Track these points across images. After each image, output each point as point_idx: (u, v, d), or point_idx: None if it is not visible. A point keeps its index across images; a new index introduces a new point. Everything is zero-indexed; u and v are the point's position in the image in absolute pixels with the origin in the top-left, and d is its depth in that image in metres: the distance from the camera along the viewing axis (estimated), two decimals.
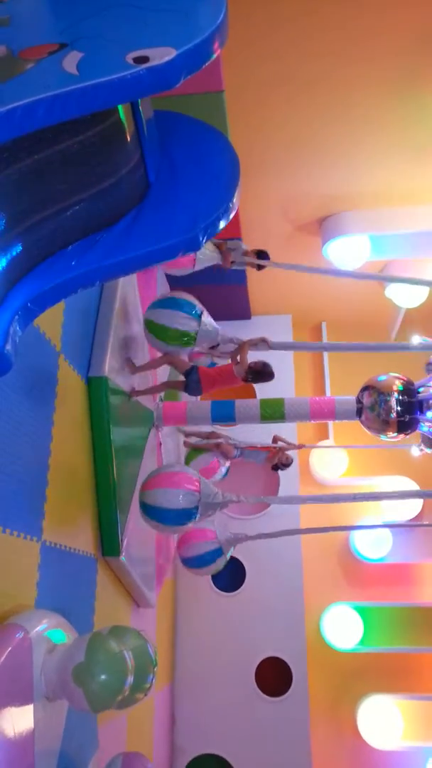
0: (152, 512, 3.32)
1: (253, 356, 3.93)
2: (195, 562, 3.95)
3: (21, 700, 2.17)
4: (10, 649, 2.15)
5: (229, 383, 4.05)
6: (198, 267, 3.98)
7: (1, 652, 2.12)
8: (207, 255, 3.91)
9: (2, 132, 1.54)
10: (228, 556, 4.05)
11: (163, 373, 4.71)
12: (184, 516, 3.30)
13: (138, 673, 2.28)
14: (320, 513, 5.49)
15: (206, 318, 3.91)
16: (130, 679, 2.24)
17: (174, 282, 5.17)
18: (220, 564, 3.99)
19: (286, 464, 4.73)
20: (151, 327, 3.86)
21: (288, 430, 5.87)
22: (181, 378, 4.13)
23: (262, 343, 3.88)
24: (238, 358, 3.90)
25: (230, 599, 5.63)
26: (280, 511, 5.57)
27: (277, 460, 4.69)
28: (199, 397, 4.53)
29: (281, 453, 4.69)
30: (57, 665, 2.26)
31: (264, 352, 3.91)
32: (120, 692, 2.21)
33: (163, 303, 3.90)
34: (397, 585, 5.72)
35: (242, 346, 3.88)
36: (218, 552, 3.91)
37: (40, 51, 1.71)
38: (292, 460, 4.80)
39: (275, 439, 4.78)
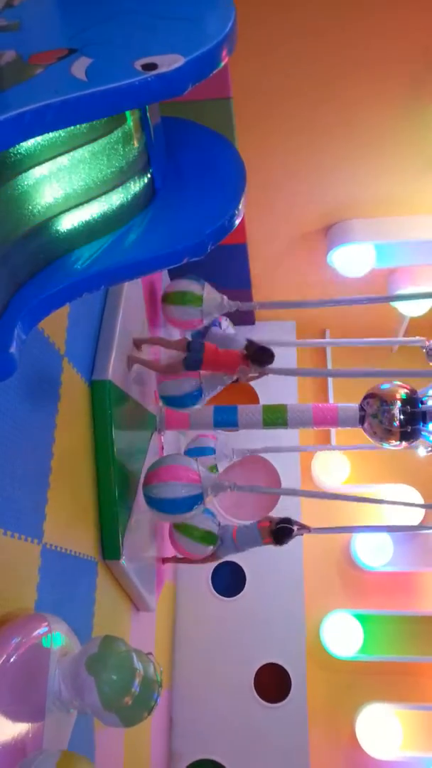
0: (158, 504, 3.76)
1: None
2: (168, 506, 3.76)
3: (36, 694, 2.20)
4: (36, 633, 2.23)
5: (232, 367, 4.00)
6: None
7: (28, 637, 2.18)
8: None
9: (11, 136, 1.55)
10: (205, 506, 3.90)
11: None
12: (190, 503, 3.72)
13: (143, 691, 2.29)
14: (322, 519, 5.48)
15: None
16: (138, 681, 2.27)
17: None
18: (195, 513, 3.85)
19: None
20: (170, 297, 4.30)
21: (290, 437, 5.89)
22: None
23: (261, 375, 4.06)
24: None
25: (230, 604, 5.62)
26: (284, 509, 5.57)
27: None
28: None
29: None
30: (71, 661, 2.31)
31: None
32: (129, 687, 2.23)
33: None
34: (398, 593, 5.70)
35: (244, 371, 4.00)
36: (198, 498, 3.73)
37: (50, 56, 1.73)
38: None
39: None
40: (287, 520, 4.09)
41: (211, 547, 4.22)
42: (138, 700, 2.25)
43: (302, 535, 4.20)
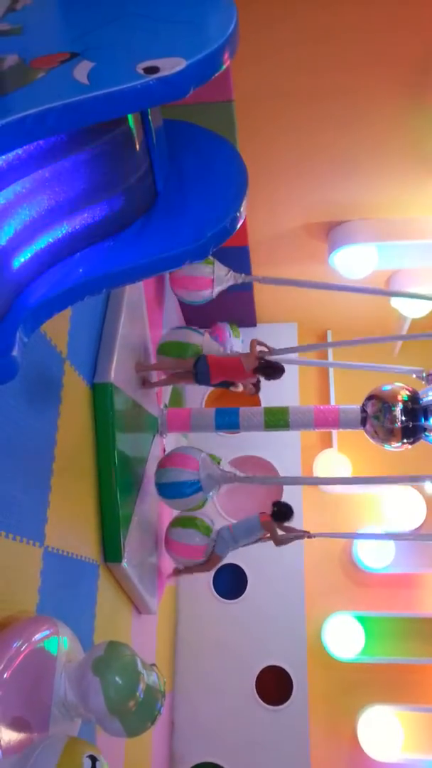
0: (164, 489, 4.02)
1: None
2: (170, 491, 4.01)
3: (42, 699, 2.20)
4: (42, 636, 2.24)
5: (239, 376, 4.18)
6: (216, 290, 4.28)
7: (36, 639, 2.19)
8: (223, 278, 4.24)
9: (13, 140, 1.55)
10: (210, 498, 4.12)
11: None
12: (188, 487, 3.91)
13: (147, 698, 2.30)
14: (323, 522, 5.48)
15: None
16: (142, 685, 2.28)
17: None
18: (196, 500, 4.01)
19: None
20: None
21: (292, 438, 5.89)
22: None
23: (264, 354, 4.17)
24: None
25: (231, 606, 5.61)
26: None
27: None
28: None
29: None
30: (77, 665, 2.33)
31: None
32: (134, 691, 2.24)
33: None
34: (400, 595, 5.70)
35: (251, 343, 4.16)
36: (196, 485, 3.91)
37: (52, 60, 1.72)
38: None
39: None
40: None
41: (210, 538, 4.27)
42: (142, 707, 2.26)
43: (304, 539, 4.20)
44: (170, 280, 4.51)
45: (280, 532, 4.17)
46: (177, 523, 4.43)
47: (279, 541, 4.11)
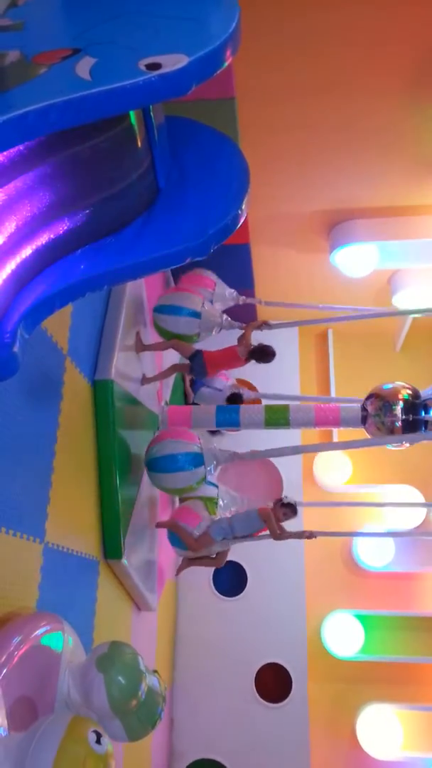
0: (160, 462, 3.70)
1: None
2: (164, 464, 3.71)
3: (48, 693, 2.22)
4: (53, 630, 2.27)
5: (233, 364, 4.26)
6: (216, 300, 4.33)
7: (39, 633, 2.21)
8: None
9: (15, 136, 1.55)
10: (209, 472, 3.80)
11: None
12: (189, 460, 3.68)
13: (148, 699, 2.31)
14: (325, 519, 5.48)
15: (207, 307, 4.23)
16: (144, 686, 2.30)
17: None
18: (196, 476, 3.72)
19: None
20: (159, 330, 4.24)
21: (293, 437, 5.89)
22: (187, 362, 4.31)
23: (265, 326, 4.22)
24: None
25: (231, 604, 5.62)
26: None
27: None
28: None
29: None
30: (80, 664, 2.35)
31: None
32: (136, 688, 2.26)
33: (164, 309, 4.19)
34: (399, 594, 5.70)
35: (246, 327, 4.19)
36: (198, 458, 3.70)
37: (54, 56, 1.72)
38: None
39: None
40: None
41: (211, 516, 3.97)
42: (143, 708, 2.27)
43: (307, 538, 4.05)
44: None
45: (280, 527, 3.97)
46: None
47: (277, 534, 3.92)
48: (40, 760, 1.64)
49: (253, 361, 4.28)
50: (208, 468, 3.80)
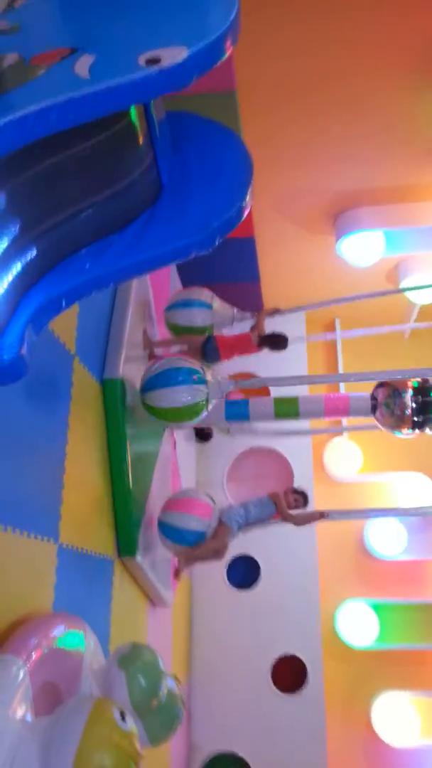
0: (159, 378, 3.48)
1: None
2: (163, 379, 3.45)
3: (71, 692, 2.25)
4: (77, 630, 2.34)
5: (247, 350, 4.25)
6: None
7: (64, 632, 2.25)
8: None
9: (16, 138, 1.54)
10: (211, 401, 3.55)
11: None
12: (191, 374, 3.48)
13: (168, 701, 2.35)
14: (335, 507, 5.47)
15: (218, 301, 4.19)
16: (164, 686, 2.33)
17: (186, 279, 5.16)
18: (197, 394, 3.47)
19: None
20: (173, 329, 4.20)
21: (302, 427, 5.87)
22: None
23: (276, 312, 4.24)
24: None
25: (245, 596, 5.63)
26: None
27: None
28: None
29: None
30: (101, 665, 2.39)
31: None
32: (156, 688, 2.29)
33: (175, 305, 4.15)
34: (413, 582, 5.69)
35: (258, 315, 4.18)
36: (199, 376, 3.50)
37: (52, 56, 1.70)
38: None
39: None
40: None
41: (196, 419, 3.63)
42: (163, 709, 2.29)
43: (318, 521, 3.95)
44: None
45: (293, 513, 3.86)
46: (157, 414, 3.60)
47: (290, 517, 3.79)
48: (67, 736, 1.66)
49: (262, 352, 4.27)
50: (211, 397, 3.55)
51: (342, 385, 6.10)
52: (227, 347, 4.17)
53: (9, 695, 1.85)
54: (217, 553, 3.77)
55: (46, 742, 1.68)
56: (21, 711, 1.86)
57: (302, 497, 3.90)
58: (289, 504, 3.84)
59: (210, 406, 3.63)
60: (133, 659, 2.34)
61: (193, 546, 3.69)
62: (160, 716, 2.33)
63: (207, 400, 3.56)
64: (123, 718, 1.76)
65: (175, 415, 3.58)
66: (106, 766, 1.61)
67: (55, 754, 1.63)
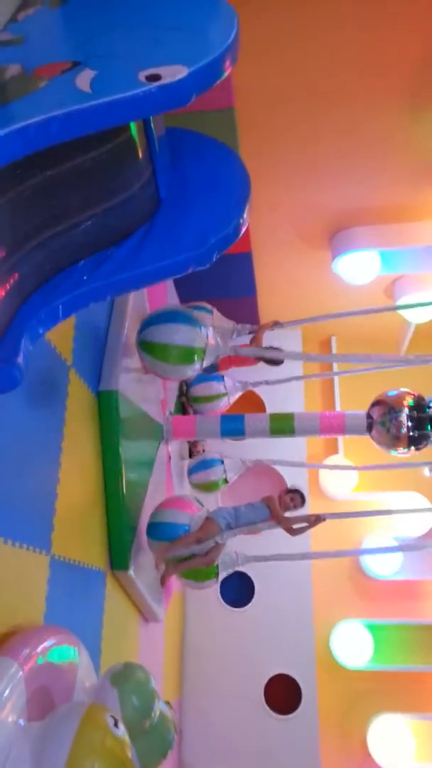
0: (161, 316, 3.50)
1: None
2: (163, 317, 3.45)
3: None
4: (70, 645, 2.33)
5: (244, 363, 4.38)
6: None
7: (59, 645, 2.25)
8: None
9: (16, 149, 1.56)
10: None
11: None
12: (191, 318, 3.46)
13: (160, 724, 2.33)
14: (330, 528, 5.44)
15: (216, 318, 4.10)
16: (156, 706, 2.32)
17: (184, 293, 5.19)
18: (198, 337, 3.40)
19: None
20: (147, 347, 3.66)
21: (298, 445, 5.87)
22: None
23: (276, 325, 4.20)
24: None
25: (239, 614, 5.59)
26: None
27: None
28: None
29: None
30: (93, 683, 2.39)
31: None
32: (149, 707, 2.27)
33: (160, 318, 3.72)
34: (409, 602, 5.65)
35: (259, 329, 4.15)
36: (198, 323, 3.51)
37: (54, 69, 1.74)
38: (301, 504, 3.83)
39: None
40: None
41: (190, 366, 3.55)
42: (155, 731, 2.28)
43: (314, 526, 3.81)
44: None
45: (287, 515, 3.73)
46: (148, 349, 3.65)
47: (283, 520, 3.64)
48: (59, 739, 1.65)
49: (260, 366, 4.30)
50: (208, 351, 3.48)
51: (337, 401, 6.12)
52: (225, 359, 4.29)
53: (3, 696, 1.84)
54: (200, 542, 3.59)
55: (38, 743, 1.67)
56: (14, 713, 1.85)
57: (299, 496, 3.74)
58: (285, 505, 3.70)
59: (204, 362, 3.52)
60: (126, 677, 2.33)
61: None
62: (152, 738, 2.31)
63: (203, 350, 3.44)
64: (116, 724, 1.75)
65: (168, 354, 3.47)
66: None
67: (47, 756, 1.62)
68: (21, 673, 1.95)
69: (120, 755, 1.68)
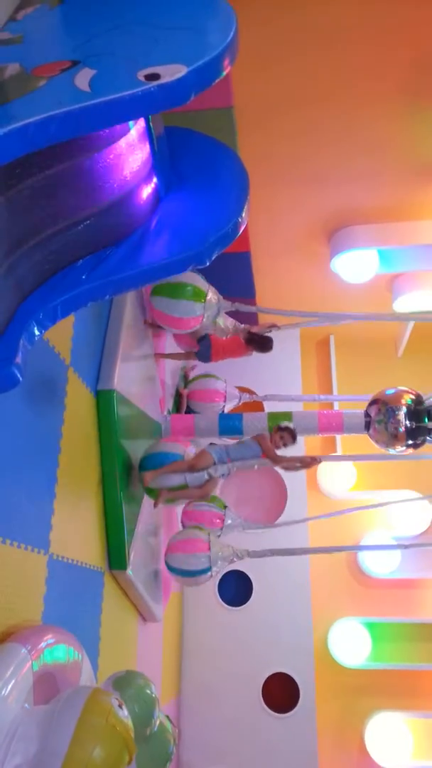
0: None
1: None
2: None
3: None
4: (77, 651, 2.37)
5: (237, 352, 4.41)
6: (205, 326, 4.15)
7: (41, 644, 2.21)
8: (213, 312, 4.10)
9: (16, 148, 1.56)
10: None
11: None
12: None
13: (159, 733, 2.34)
14: (328, 526, 5.46)
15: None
16: (157, 714, 2.34)
17: None
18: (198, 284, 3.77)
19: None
20: (159, 290, 3.85)
21: (296, 443, 5.87)
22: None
23: (274, 327, 4.28)
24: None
25: (237, 613, 5.59)
26: (290, 517, 5.56)
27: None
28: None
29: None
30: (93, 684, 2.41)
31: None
32: (150, 714, 2.30)
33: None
34: (406, 600, 5.66)
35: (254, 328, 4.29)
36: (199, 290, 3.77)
37: (53, 68, 1.74)
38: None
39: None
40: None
41: (200, 305, 3.77)
42: (155, 741, 2.29)
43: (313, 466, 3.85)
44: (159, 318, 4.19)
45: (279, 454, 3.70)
46: (160, 291, 3.82)
47: (275, 457, 3.64)
48: (65, 717, 1.68)
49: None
50: (209, 294, 3.79)
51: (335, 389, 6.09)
52: (219, 349, 4.40)
53: (10, 679, 1.88)
54: (192, 470, 3.64)
55: (44, 722, 1.70)
56: (20, 697, 1.89)
57: (289, 434, 3.71)
58: (275, 444, 3.68)
59: (206, 315, 3.84)
60: (128, 682, 2.36)
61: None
62: (151, 747, 2.31)
63: (205, 293, 3.81)
64: (120, 707, 1.78)
65: (182, 291, 3.78)
66: (101, 749, 1.63)
67: (53, 734, 1.65)
68: (29, 659, 1.98)
69: (123, 734, 1.71)
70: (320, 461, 3.74)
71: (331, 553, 5.24)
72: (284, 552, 4.03)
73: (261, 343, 4.26)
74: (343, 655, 5.42)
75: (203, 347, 4.44)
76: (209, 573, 3.84)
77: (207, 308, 3.87)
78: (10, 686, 1.85)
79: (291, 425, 3.78)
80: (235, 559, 3.93)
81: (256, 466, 3.74)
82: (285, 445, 3.70)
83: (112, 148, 2.12)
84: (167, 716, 2.57)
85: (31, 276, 2.06)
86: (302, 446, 5.99)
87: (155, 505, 3.81)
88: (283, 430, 3.71)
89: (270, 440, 3.68)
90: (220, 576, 3.90)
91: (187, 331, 4.21)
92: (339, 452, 6.05)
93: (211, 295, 3.89)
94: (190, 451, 3.82)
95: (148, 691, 2.37)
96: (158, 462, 3.74)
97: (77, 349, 3.17)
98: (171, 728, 2.51)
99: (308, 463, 3.74)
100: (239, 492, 5.98)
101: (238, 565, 5.53)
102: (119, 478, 3.46)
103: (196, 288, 3.81)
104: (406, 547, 4.96)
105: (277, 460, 3.67)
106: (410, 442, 3.99)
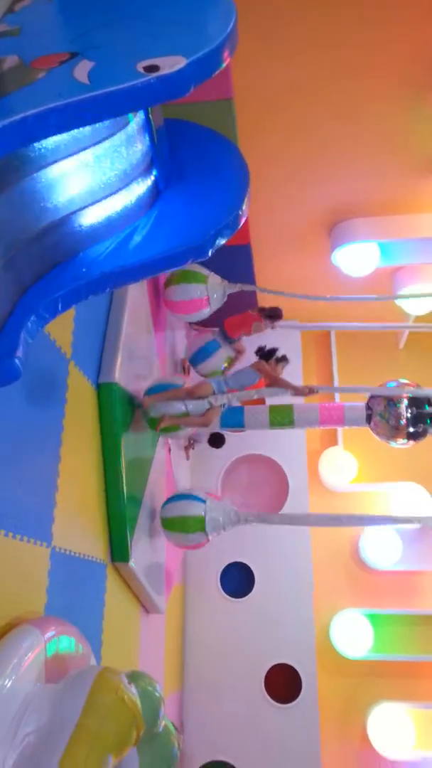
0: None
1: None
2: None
3: None
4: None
5: (249, 325, 4.64)
6: (214, 307, 4.52)
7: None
8: (218, 295, 4.52)
9: (15, 140, 1.56)
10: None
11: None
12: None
13: (164, 735, 2.39)
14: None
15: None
16: (162, 714, 2.36)
17: None
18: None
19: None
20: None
21: (297, 436, 5.89)
22: None
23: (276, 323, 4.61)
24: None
25: (239, 605, 5.61)
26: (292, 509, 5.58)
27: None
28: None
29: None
30: None
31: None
32: (156, 713, 2.32)
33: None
34: (408, 592, 5.68)
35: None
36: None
37: (52, 60, 1.73)
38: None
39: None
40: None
41: (204, 286, 4.37)
42: (159, 742, 2.31)
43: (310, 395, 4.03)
44: (166, 305, 4.67)
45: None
46: (168, 284, 4.50)
47: (275, 379, 3.86)
48: (76, 690, 1.75)
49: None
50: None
51: (336, 394, 6.10)
52: (234, 325, 4.62)
53: (24, 656, 1.94)
54: (191, 396, 3.78)
55: (56, 696, 1.77)
56: (33, 673, 1.94)
57: (283, 359, 4.01)
58: (274, 370, 3.93)
59: (212, 292, 4.38)
60: (134, 679, 2.35)
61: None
62: (156, 747, 2.32)
63: (206, 276, 4.37)
64: (129, 683, 1.83)
65: (179, 277, 4.43)
66: (111, 719, 1.69)
67: (64, 705, 1.71)
68: (42, 642, 2.03)
69: (132, 708, 1.77)
70: (317, 391, 4.02)
71: (334, 527, 5.25)
72: (285, 519, 4.26)
73: (271, 312, 4.55)
74: (346, 646, 5.44)
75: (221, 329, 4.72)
76: (204, 526, 3.77)
77: (211, 289, 4.41)
78: (24, 663, 1.92)
79: (286, 356, 4.09)
80: (231, 524, 3.89)
81: (255, 396, 3.94)
82: (281, 366, 4.00)
83: (113, 141, 2.12)
84: (172, 723, 2.60)
85: (30, 269, 2.06)
86: (303, 439, 6.01)
87: (156, 429, 3.88)
88: (279, 360, 3.99)
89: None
90: (217, 536, 3.82)
91: (199, 316, 4.55)
92: (340, 445, 6.06)
93: (213, 277, 4.38)
94: (190, 382, 4.09)
95: (154, 691, 2.38)
96: (159, 391, 3.91)
97: (78, 342, 3.17)
98: (176, 733, 2.53)
99: (306, 393, 3.95)
100: (240, 480, 6.01)
101: (240, 557, 5.56)
102: (121, 471, 3.46)
103: (197, 273, 4.38)
104: (420, 522, 4.91)
105: (277, 382, 3.90)
106: (411, 434, 3.99)
